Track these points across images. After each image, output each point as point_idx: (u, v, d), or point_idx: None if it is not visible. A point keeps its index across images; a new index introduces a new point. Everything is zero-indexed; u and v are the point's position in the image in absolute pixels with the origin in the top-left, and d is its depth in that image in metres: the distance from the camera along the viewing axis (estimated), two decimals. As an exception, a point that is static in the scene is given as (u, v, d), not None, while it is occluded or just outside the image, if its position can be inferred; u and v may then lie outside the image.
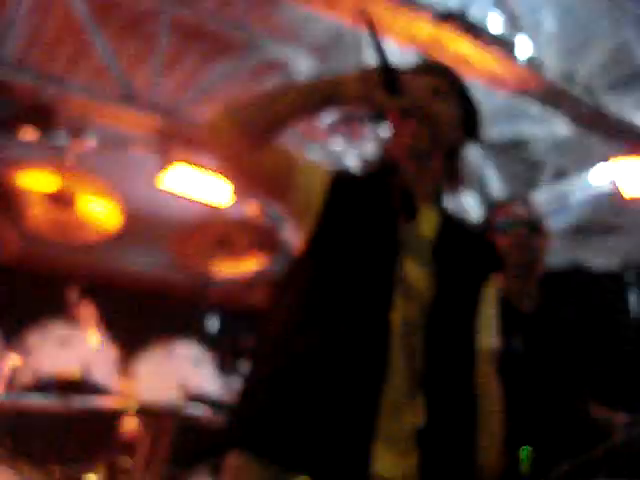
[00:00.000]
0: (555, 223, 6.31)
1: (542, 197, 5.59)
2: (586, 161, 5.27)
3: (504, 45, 4.06)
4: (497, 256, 2.18)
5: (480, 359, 1.98)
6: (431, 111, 1.93)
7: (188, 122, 4.90)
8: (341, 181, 1.94)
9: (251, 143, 1.81)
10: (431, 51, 3.89)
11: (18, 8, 4.50)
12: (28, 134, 4.55)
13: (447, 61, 3.97)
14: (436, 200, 2.03)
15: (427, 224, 1.96)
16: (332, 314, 1.80)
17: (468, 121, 2.04)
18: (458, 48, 3.90)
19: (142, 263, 6.89)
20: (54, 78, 4.81)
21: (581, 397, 3.07)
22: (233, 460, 1.77)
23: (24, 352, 3.55)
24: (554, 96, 4.27)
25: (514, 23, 4.17)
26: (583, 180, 5.37)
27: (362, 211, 1.91)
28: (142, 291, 6.74)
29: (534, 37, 4.35)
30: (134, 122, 4.95)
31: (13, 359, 3.48)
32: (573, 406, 3.05)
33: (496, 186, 5.74)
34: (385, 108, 1.83)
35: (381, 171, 2.00)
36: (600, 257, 6.41)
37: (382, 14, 3.61)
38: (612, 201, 5.38)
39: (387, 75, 1.76)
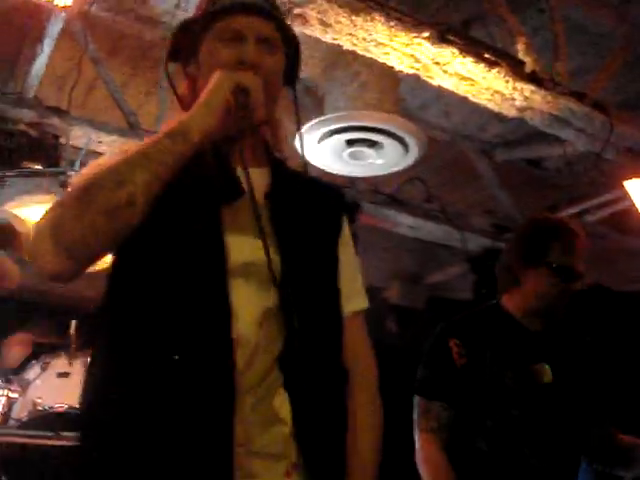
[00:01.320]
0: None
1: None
2: (601, 181, 5.14)
3: (510, 62, 3.96)
4: (343, 200, 1.89)
5: (349, 325, 1.73)
6: (264, 71, 1.64)
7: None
8: None
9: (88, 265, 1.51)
10: (432, 73, 3.81)
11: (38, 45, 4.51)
12: (32, 167, 4.54)
13: (449, 82, 3.92)
14: (268, 158, 1.78)
15: (259, 190, 1.67)
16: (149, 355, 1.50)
17: (289, 65, 1.77)
18: (461, 67, 3.81)
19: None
20: (60, 111, 4.80)
21: (603, 422, 2.96)
22: None
23: (22, 385, 3.48)
24: (564, 114, 4.16)
25: (518, 39, 4.08)
26: (599, 200, 5.25)
27: (181, 201, 1.58)
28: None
29: (542, 55, 4.26)
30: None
31: (11, 392, 3.41)
32: (596, 432, 2.94)
33: (509, 209, 5.62)
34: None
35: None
36: (624, 280, 6.27)
37: (380, 33, 3.55)
38: (631, 222, 5.25)
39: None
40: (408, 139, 4.38)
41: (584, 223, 5.44)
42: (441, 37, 3.74)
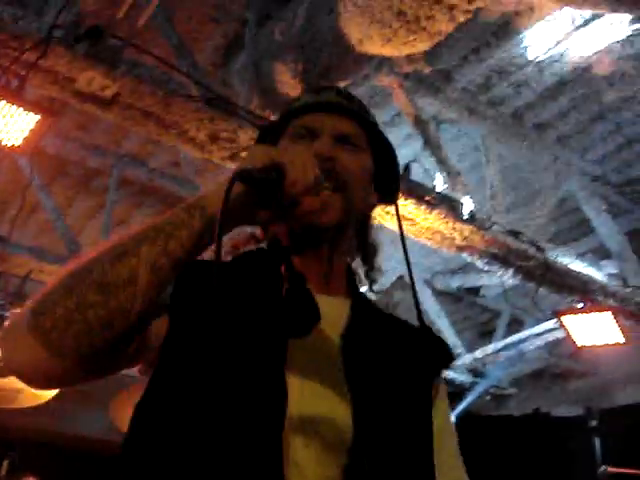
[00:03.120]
0: (513, 371, 6.27)
1: (498, 346, 5.55)
2: (538, 310, 5.26)
3: (449, 204, 4.09)
4: (446, 352, 1.46)
5: None
6: (340, 166, 1.36)
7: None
8: (190, 275, 1.28)
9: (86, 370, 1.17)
10: (374, 213, 3.89)
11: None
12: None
13: (391, 223, 4.01)
14: (348, 287, 1.44)
15: (333, 325, 1.32)
16: None
17: (382, 176, 1.48)
18: (403, 209, 3.92)
19: (81, 425, 6.61)
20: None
21: None
22: None
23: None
24: (501, 251, 4.29)
25: (456, 180, 4.23)
26: (538, 329, 5.36)
27: (238, 325, 1.23)
28: (82, 453, 6.43)
29: (478, 193, 4.42)
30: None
31: None
32: None
33: (450, 336, 5.69)
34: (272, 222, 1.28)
35: (261, 256, 1.39)
36: (562, 403, 6.34)
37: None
38: (568, 348, 5.36)
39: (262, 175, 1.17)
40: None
41: (524, 350, 5.53)
42: (383, 181, 3.85)
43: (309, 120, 1.42)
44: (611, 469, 4.47)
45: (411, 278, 1.47)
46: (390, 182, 1.50)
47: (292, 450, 1.17)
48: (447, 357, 1.45)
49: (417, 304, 1.44)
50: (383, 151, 1.47)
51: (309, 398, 1.22)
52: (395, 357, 1.37)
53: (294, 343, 1.23)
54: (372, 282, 1.51)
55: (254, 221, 1.27)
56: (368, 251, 1.49)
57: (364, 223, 1.49)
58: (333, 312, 1.32)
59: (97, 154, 5.00)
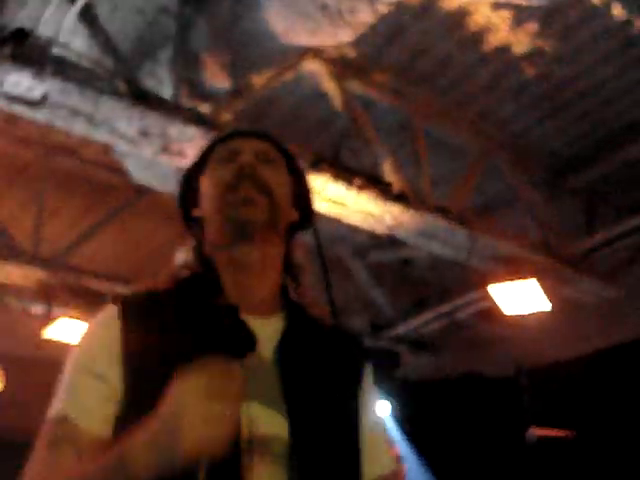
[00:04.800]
0: (447, 338, 6.51)
1: (429, 316, 5.75)
2: (468, 280, 5.47)
3: (378, 185, 4.22)
4: (362, 348, 1.63)
5: None
6: (263, 174, 1.46)
7: (71, 271, 4.86)
8: (138, 320, 1.37)
9: None
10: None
11: None
12: None
13: (324, 206, 4.13)
14: (283, 306, 1.50)
15: (269, 345, 1.40)
16: None
17: (300, 197, 1.56)
18: (333, 191, 4.03)
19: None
20: None
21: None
22: None
23: None
24: (430, 229, 4.45)
25: (384, 160, 4.35)
26: (467, 299, 5.57)
27: (179, 359, 1.26)
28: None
29: (407, 172, 4.55)
30: (16, 275, 4.87)
31: None
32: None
33: (385, 307, 5.87)
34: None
35: (194, 283, 1.46)
36: (493, 366, 6.61)
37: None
38: (496, 315, 5.58)
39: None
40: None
41: (456, 318, 5.75)
42: (314, 166, 3.95)
43: (231, 144, 1.53)
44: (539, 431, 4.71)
45: (327, 282, 1.55)
46: (306, 206, 1.58)
47: (248, 471, 1.28)
48: (362, 355, 1.56)
49: (332, 304, 1.54)
50: (297, 176, 1.57)
51: (256, 419, 1.32)
52: (325, 366, 1.45)
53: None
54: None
55: None
56: (295, 269, 1.55)
57: (290, 240, 1.54)
58: (267, 333, 1.40)
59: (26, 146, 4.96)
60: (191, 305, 1.40)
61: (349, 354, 1.54)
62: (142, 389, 1.30)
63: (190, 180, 1.56)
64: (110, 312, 1.40)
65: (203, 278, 1.45)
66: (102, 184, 5.25)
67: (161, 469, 1.18)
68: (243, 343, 1.29)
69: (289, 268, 1.54)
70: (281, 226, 1.48)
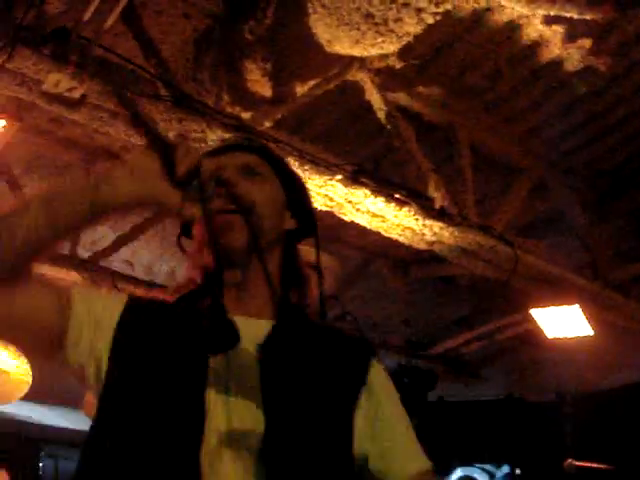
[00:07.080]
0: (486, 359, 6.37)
1: (469, 336, 5.62)
2: (510, 301, 5.33)
3: (419, 200, 4.12)
4: (368, 347, 1.58)
5: None
6: (243, 191, 1.46)
7: (108, 274, 4.85)
8: (138, 314, 1.47)
9: None
10: (346, 210, 3.93)
11: None
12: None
13: (362, 219, 4.05)
14: (275, 312, 1.50)
15: (254, 342, 1.41)
16: None
17: (295, 205, 1.58)
18: (372, 205, 3.95)
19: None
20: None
21: None
22: None
23: None
24: (471, 246, 4.33)
25: (426, 175, 4.25)
26: (508, 320, 5.43)
27: (164, 353, 1.40)
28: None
29: (449, 187, 4.44)
30: (53, 276, 4.88)
31: None
32: None
33: (424, 326, 5.74)
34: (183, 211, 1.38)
35: (190, 294, 1.53)
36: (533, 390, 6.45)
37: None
38: (538, 339, 5.43)
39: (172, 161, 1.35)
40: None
41: (496, 340, 5.61)
42: (353, 179, 3.88)
43: (218, 159, 1.55)
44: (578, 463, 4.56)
45: (321, 290, 1.59)
46: (305, 211, 1.61)
47: (222, 465, 1.31)
48: (368, 353, 1.55)
49: (323, 307, 1.56)
50: (291, 183, 1.60)
51: (235, 413, 1.35)
52: (315, 365, 1.46)
53: (217, 362, 1.37)
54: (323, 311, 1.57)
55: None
56: (295, 278, 1.57)
57: (288, 251, 1.57)
58: (253, 331, 1.42)
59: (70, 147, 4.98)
60: (184, 309, 1.48)
61: (350, 354, 1.53)
62: (120, 375, 1.39)
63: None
64: (121, 297, 1.51)
65: (205, 290, 1.49)
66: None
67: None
68: (224, 339, 1.33)
69: (290, 275, 1.55)
70: (268, 240, 1.49)
